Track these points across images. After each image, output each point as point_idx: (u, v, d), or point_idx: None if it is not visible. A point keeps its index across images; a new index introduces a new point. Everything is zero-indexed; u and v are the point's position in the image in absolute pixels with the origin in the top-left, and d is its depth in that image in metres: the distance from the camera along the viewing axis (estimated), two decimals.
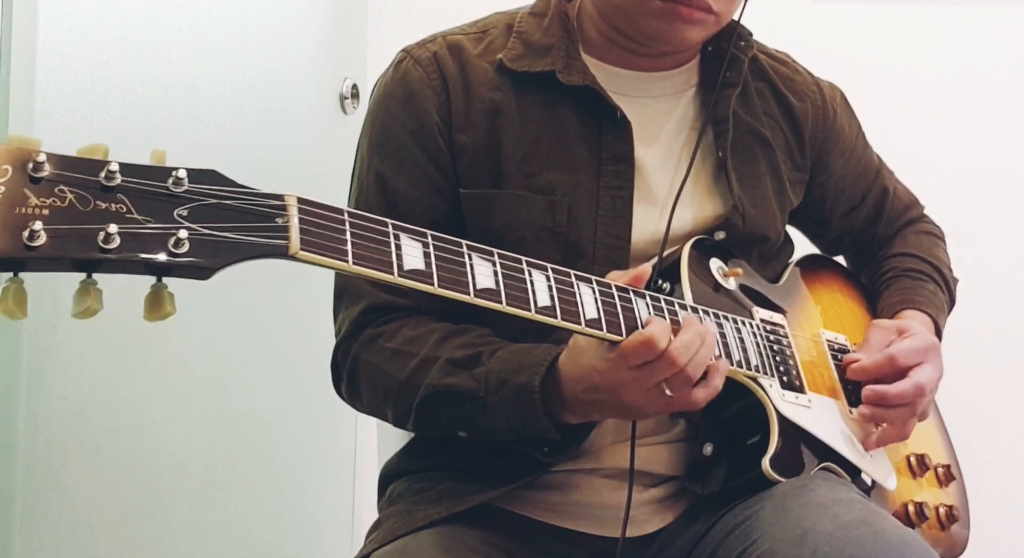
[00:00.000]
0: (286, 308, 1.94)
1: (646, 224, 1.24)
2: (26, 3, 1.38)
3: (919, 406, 1.25)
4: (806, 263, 1.43)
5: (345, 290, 1.25)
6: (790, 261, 1.42)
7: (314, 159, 2.15)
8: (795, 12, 2.38)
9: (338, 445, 2.33)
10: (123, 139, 1.57)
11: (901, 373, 1.24)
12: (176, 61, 1.70)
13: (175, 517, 1.72)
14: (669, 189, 1.25)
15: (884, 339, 1.29)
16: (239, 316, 1.84)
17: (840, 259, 1.53)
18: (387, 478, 1.32)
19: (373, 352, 1.20)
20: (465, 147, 1.23)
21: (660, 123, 1.29)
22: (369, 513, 1.31)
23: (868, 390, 1.23)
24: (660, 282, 1.20)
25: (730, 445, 1.20)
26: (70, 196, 0.76)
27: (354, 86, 2.29)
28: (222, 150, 1.83)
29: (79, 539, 1.51)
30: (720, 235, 1.27)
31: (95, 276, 0.78)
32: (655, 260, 1.22)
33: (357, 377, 1.23)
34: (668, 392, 1.05)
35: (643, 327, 1.05)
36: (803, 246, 1.48)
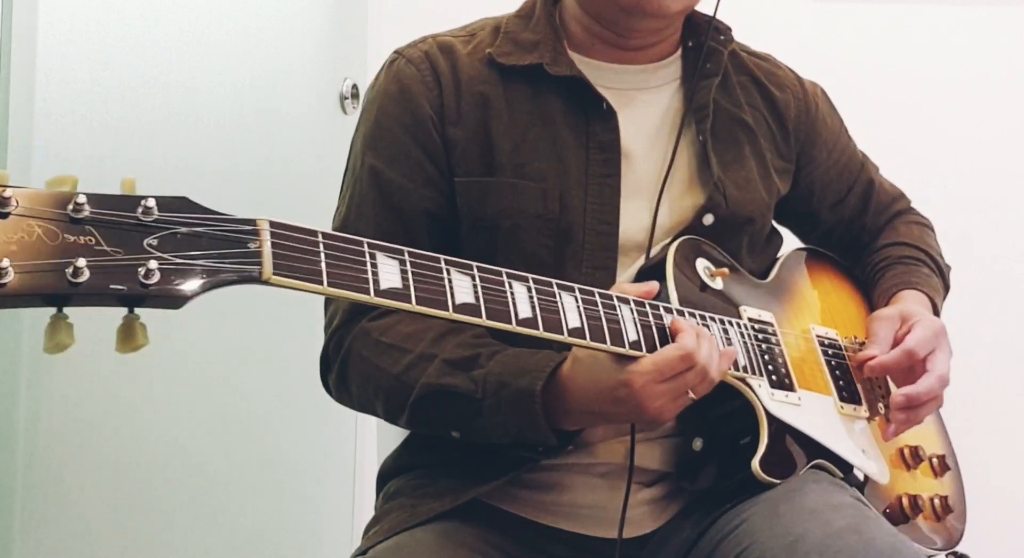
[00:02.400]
0: (285, 305, 1.94)
1: (635, 213, 1.25)
2: (26, 3, 1.38)
3: (942, 398, 1.26)
4: (795, 257, 1.43)
5: None
6: (779, 255, 1.42)
7: (314, 159, 2.15)
8: (795, 12, 2.38)
9: (338, 444, 2.33)
10: (123, 139, 1.57)
11: (919, 365, 1.25)
12: (176, 61, 1.70)
13: (175, 516, 1.72)
14: (655, 180, 1.27)
15: (890, 330, 1.29)
16: (238, 315, 1.84)
17: None
18: (385, 476, 1.33)
19: (366, 346, 1.20)
20: (457, 140, 1.24)
21: (645, 114, 1.31)
22: (369, 512, 1.31)
23: (898, 396, 1.23)
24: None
25: (720, 442, 1.20)
26: (38, 230, 0.76)
27: (354, 86, 2.29)
28: (222, 150, 1.83)
29: (79, 539, 1.51)
30: (708, 218, 1.27)
31: (67, 310, 0.78)
32: (642, 261, 1.24)
33: (348, 369, 1.23)
34: (693, 396, 1.08)
35: (672, 339, 1.08)
36: (792, 243, 1.48)
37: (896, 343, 1.28)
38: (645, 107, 1.31)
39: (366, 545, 1.19)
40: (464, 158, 1.24)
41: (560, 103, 1.26)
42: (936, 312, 1.39)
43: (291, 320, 1.97)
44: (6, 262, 0.73)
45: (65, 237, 0.77)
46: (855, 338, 1.36)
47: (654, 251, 1.25)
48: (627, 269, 1.25)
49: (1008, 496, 2.22)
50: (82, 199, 0.78)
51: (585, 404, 1.09)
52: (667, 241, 1.25)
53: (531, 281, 1.01)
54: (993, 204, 2.34)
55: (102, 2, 1.54)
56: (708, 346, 1.08)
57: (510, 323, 0.98)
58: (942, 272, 1.47)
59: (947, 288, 1.48)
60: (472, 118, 1.25)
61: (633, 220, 1.25)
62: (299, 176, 2.08)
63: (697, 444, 1.21)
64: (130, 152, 1.59)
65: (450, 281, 0.95)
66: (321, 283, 0.87)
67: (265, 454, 1.98)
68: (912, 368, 1.25)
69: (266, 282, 0.84)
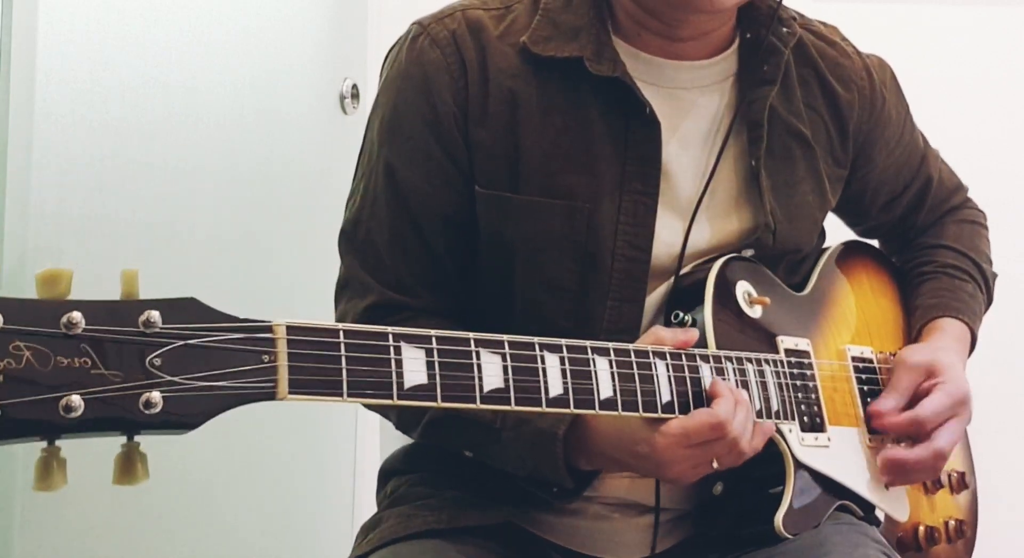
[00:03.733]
0: (285, 301, 1.94)
1: (669, 236, 1.16)
2: (26, 3, 1.38)
3: (939, 469, 1.22)
4: (834, 257, 1.35)
5: (350, 281, 1.20)
6: (819, 253, 1.35)
7: (314, 159, 2.15)
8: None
9: (338, 444, 2.33)
10: (123, 139, 1.57)
11: (925, 435, 1.20)
12: (176, 61, 1.70)
13: (174, 516, 1.72)
14: (694, 197, 1.18)
15: (913, 382, 1.23)
16: (238, 313, 1.84)
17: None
18: (388, 474, 1.29)
19: None
20: (481, 143, 1.14)
21: (692, 120, 1.20)
22: (369, 510, 1.30)
23: (885, 459, 1.19)
24: (682, 315, 1.14)
25: (742, 488, 1.15)
26: (27, 353, 0.68)
27: (354, 86, 2.29)
28: (222, 150, 1.83)
29: (79, 539, 1.51)
30: (748, 252, 1.20)
31: (59, 442, 0.72)
32: (672, 280, 1.17)
33: None
34: (716, 465, 1.03)
35: (707, 402, 1.02)
36: (835, 230, 1.42)
37: (917, 395, 1.22)
38: (693, 109, 1.20)
39: (360, 551, 1.16)
40: (488, 165, 1.14)
41: (598, 104, 1.15)
42: (974, 340, 1.34)
43: (290, 317, 1.97)
44: None
45: (58, 360, 0.68)
46: (890, 355, 1.31)
47: (686, 269, 1.17)
48: (653, 293, 1.17)
49: (1009, 499, 2.22)
50: (77, 316, 0.69)
51: (604, 449, 1.05)
52: (701, 261, 1.18)
53: (565, 350, 0.96)
54: (993, 204, 2.33)
55: (102, 2, 1.54)
56: (744, 416, 1.02)
57: (540, 406, 0.93)
58: (987, 284, 1.41)
59: (990, 302, 1.43)
60: (499, 118, 1.14)
61: (666, 243, 1.16)
62: (299, 176, 2.08)
63: (718, 488, 1.15)
64: (130, 152, 1.58)
65: (479, 366, 0.90)
66: (340, 395, 0.81)
67: (265, 453, 1.98)
68: (918, 436, 1.20)
69: (280, 399, 0.78)
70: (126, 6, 1.59)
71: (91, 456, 1.51)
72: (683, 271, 1.17)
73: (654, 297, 1.17)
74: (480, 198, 1.15)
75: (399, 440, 1.33)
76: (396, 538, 1.15)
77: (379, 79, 1.23)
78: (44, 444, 0.71)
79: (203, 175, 1.76)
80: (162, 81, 1.66)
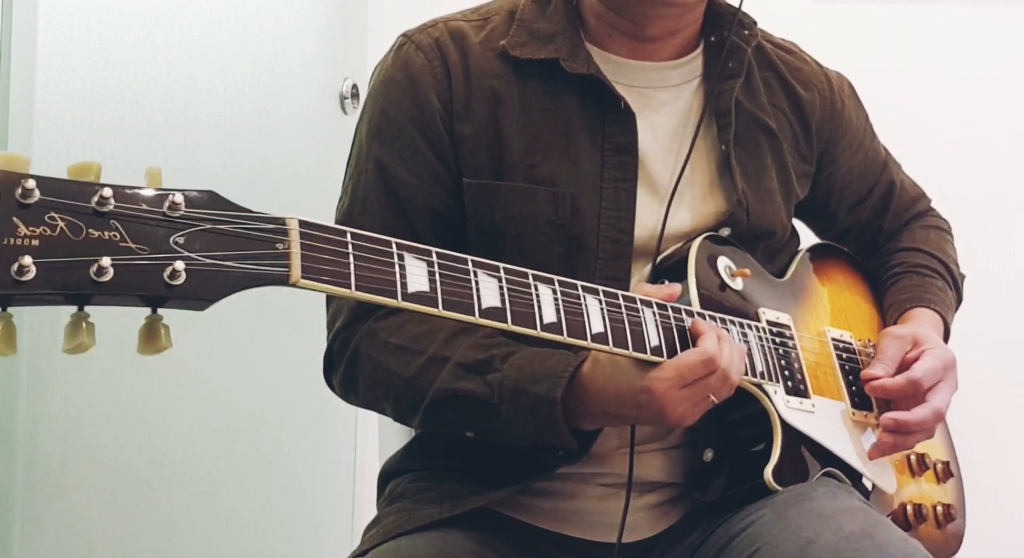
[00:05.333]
0: (284, 303, 1.94)
1: (649, 219, 1.22)
2: (26, 3, 1.38)
3: (935, 429, 1.25)
4: (811, 254, 1.41)
5: None
6: (797, 249, 1.40)
7: (314, 159, 2.15)
8: (795, 12, 2.38)
9: (338, 444, 2.33)
10: (123, 139, 1.57)
11: (921, 395, 1.23)
12: (176, 61, 1.70)
13: (175, 516, 1.72)
14: (670, 183, 1.23)
15: (900, 350, 1.27)
16: (237, 313, 1.84)
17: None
18: (387, 476, 1.31)
19: (375, 346, 1.18)
20: (465, 137, 1.20)
21: (664, 114, 1.26)
22: (369, 510, 1.31)
23: (888, 419, 1.21)
24: (666, 282, 1.18)
25: (731, 451, 1.19)
26: (61, 224, 0.72)
27: (354, 86, 2.29)
28: (222, 150, 1.83)
29: (79, 539, 1.51)
30: (725, 231, 1.25)
31: (87, 309, 0.76)
32: (660, 258, 1.22)
33: (355, 370, 1.21)
34: (715, 400, 1.06)
35: (693, 342, 1.06)
36: (807, 237, 1.47)
37: (903, 365, 1.26)
38: (664, 106, 1.27)
39: (363, 547, 1.18)
40: (473, 157, 1.20)
41: (575, 101, 1.22)
42: (947, 331, 1.37)
43: (290, 318, 1.97)
44: (28, 259, 0.70)
45: (89, 232, 0.73)
46: (868, 341, 1.35)
47: (668, 251, 1.22)
48: (637, 274, 1.21)
49: (1006, 498, 2.22)
50: (108, 192, 0.74)
51: (603, 406, 1.07)
52: (680, 244, 1.23)
53: (556, 283, 1.00)
54: (993, 204, 2.34)
55: (102, 2, 1.54)
56: (729, 349, 1.06)
57: (535, 328, 0.96)
58: (956, 283, 1.45)
59: (960, 300, 1.46)
60: (482, 114, 1.20)
61: (647, 227, 1.22)
62: (299, 176, 2.08)
63: (708, 455, 1.19)
64: (130, 152, 1.59)
65: (477, 283, 0.93)
66: (349, 287, 0.85)
67: (265, 454, 1.98)
68: (914, 397, 1.23)
69: (293, 285, 0.82)
70: (126, 6, 1.59)
71: (91, 459, 1.52)
72: (665, 253, 1.22)
73: (638, 278, 1.21)
74: (468, 188, 1.21)
75: (398, 441, 1.33)
76: (399, 533, 1.16)
77: (368, 88, 1.28)
78: (75, 309, 0.76)
79: (203, 175, 1.76)
80: (162, 81, 1.67)
